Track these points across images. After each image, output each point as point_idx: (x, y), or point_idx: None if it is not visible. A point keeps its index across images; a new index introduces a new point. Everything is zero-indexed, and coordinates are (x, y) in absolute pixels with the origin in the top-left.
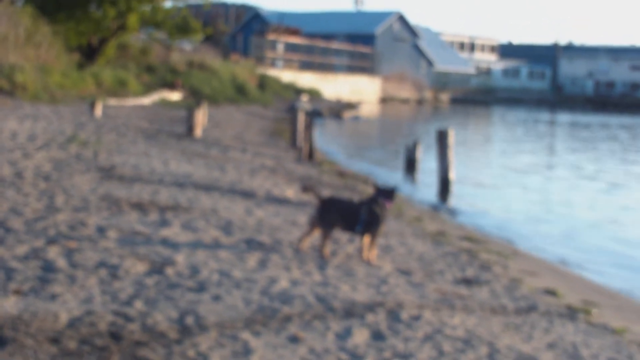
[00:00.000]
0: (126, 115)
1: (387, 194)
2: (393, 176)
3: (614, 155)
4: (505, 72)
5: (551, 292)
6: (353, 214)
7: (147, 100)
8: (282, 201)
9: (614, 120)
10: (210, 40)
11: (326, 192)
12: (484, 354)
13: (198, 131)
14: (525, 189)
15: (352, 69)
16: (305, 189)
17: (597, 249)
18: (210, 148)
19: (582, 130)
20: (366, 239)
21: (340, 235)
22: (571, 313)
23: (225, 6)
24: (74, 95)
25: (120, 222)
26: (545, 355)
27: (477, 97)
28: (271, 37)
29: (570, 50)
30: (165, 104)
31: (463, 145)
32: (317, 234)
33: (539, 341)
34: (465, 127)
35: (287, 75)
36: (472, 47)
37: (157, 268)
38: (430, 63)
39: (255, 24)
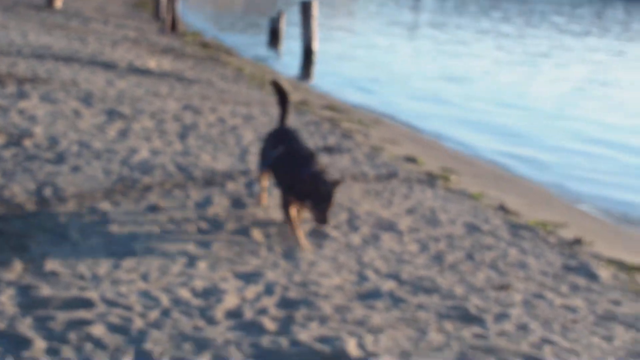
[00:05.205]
0: None
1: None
2: (257, 47)
3: (470, 19)
4: None
5: (411, 160)
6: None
7: None
8: (144, 72)
9: None
10: None
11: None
12: (344, 220)
13: (58, 3)
14: (386, 61)
15: None
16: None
17: (458, 115)
18: (70, 20)
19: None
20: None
21: (203, 106)
22: (431, 180)
23: None
24: None
25: None
26: (403, 220)
27: None
28: None
29: None
30: None
31: (329, 18)
32: None
33: (399, 207)
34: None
35: None
36: None
37: (15, 140)
38: None
39: None
